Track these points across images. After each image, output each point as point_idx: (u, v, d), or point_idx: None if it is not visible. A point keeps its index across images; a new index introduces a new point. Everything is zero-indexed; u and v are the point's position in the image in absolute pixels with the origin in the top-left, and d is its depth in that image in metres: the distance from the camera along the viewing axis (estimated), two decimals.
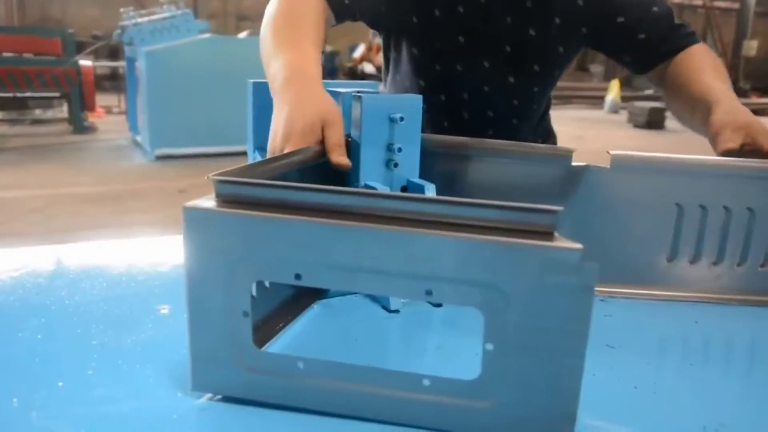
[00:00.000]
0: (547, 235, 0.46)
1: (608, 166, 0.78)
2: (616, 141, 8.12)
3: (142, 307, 0.71)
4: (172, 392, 0.54)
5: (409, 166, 0.77)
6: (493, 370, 0.47)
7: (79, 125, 7.32)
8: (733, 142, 0.84)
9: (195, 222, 0.49)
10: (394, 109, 0.74)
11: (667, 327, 0.74)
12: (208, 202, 0.50)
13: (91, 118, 7.69)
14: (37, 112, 8.22)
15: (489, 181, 0.82)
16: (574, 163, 0.80)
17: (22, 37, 7.33)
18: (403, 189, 0.78)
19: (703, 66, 1.00)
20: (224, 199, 0.50)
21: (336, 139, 0.73)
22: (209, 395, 0.53)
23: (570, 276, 0.44)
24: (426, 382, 0.49)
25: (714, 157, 0.81)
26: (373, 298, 0.75)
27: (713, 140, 0.88)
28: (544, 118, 1.23)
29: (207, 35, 6.49)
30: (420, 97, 0.76)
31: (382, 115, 0.75)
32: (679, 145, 8.43)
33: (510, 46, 1.06)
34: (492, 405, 0.48)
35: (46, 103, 8.14)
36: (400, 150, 0.75)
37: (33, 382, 0.54)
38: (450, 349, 0.65)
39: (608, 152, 0.79)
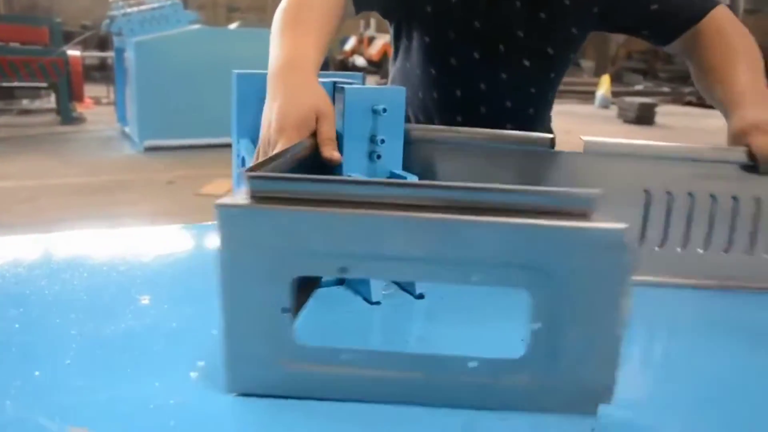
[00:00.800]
0: (585, 216, 0.48)
1: (582, 152, 0.80)
2: (605, 136, 8.13)
3: (122, 297, 0.71)
4: (150, 382, 0.53)
5: (392, 157, 0.77)
6: (539, 348, 0.49)
7: (67, 116, 7.27)
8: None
9: (232, 219, 0.48)
10: (377, 100, 0.74)
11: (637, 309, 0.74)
12: (242, 199, 0.49)
13: (80, 109, 7.64)
14: (25, 102, 8.16)
15: (468, 168, 0.82)
16: (550, 150, 0.82)
17: (9, 26, 7.27)
18: None
19: (729, 48, 0.97)
20: (258, 196, 0.49)
21: (328, 133, 0.73)
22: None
23: (614, 253, 0.46)
24: (472, 364, 0.50)
25: (678, 144, 0.83)
26: (355, 290, 0.75)
27: (741, 138, 0.85)
28: (549, 114, 1.23)
29: (197, 26, 6.46)
30: (403, 89, 0.76)
31: (365, 107, 0.74)
32: (671, 140, 8.46)
33: (523, 30, 1.05)
34: (537, 381, 0.50)
35: (34, 93, 8.08)
36: (383, 141, 0.75)
37: (8, 371, 0.54)
38: (434, 339, 0.65)
39: (581, 138, 0.80)
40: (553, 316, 0.48)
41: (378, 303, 0.72)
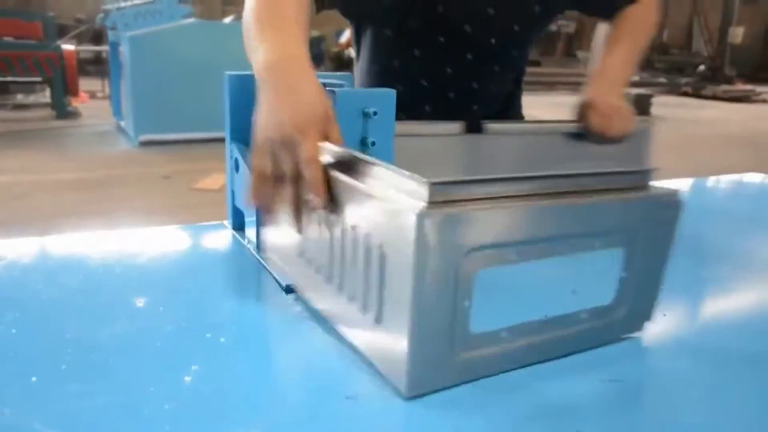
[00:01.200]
0: (646, 187, 0.62)
1: (485, 134, 0.98)
2: None
3: (118, 300, 0.72)
4: (144, 387, 0.54)
5: (383, 158, 0.78)
6: (624, 291, 0.63)
7: (62, 110, 7.25)
8: (597, 120, 1.05)
9: (432, 226, 0.49)
10: (368, 103, 0.75)
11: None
12: (426, 206, 0.49)
13: (75, 103, 7.61)
14: (19, 97, 8.13)
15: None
16: (461, 135, 0.98)
17: (2, 20, 7.22)
18: None
19: (623, 32, 1.16)
20: (436, 201, 0.50)
21: (338, 138, 0.67)
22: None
23: (672, 209, 0.62)
24: (583, 315, 0.62)
25: (552, 122, 1.09)
26: None
27: (582, 112, 1.07)
28: (517, 99, 1.25)
29: (192, 20, 6.42)
30: (393, 91, 0.77)
31: (356, 110, 0.75)
32: (665, 132, 8.50)
33: (492, 7, 1.07)
34: (620, 316, 0.64)
35: (28, 87, 8.05)
36: (373, 144, 0.76)
37: (6, 377, 0.55)
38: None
39: (481, 122, 1.01)
40: (636, 264, 0.62)
41: None
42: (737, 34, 15.00)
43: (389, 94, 0.77)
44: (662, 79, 14.50)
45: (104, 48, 8.37)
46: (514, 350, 0.58)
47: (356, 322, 0.58)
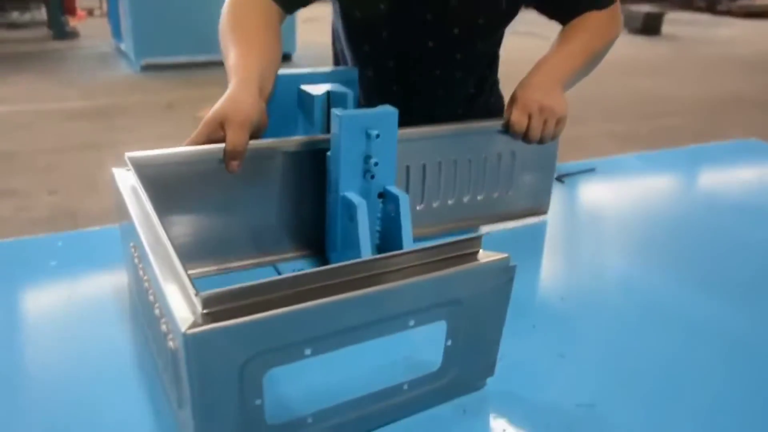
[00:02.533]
0: (475, 255, 0.60)
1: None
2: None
3: None
4: None
5: (385, 175, 0.81)
6: (450, 357, 0.62)
7: (59, 30, 7.11)
8: (515, 116, 0.98)
9: (198, 344, 0.47)
10: (371, 125, 0.77)
11: None
12: (202, 320, 0.48)
13: (72, 22, 7.45)
14: (15, 15, 7.95)
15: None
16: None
17: None
18: (380, 195, 0.82)
19: (572, 38, 1.08)
20: (211, 312, 0.49)
21: (229, 143, 0.77)
22: None
23: (503, 275, 0.61)
24: (405, 387, 0.61)
25: (421, 127, 0.95)
26: None
27: (508, 106, 1.01)
28: (491, 82, 1.26)
29: None
30: (395, 112, 0.79)
31: (360, 130, 0.78)
32: (676, 53, 8.27)
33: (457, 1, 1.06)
34: (449, 379, 0.64)
35: (23, 5, 7.85)
36: (376, 164, 0.79)
37: None
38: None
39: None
40: (463, 332, 0.61)
41: None
42: None
43: (391, 116, 0.79)
44: None
45: None
46: (327, 429, 0.57)
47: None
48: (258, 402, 0.52)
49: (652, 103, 5.64)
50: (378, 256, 0.56)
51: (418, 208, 0.97)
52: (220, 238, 0.83)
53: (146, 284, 0.61)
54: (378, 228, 0.85)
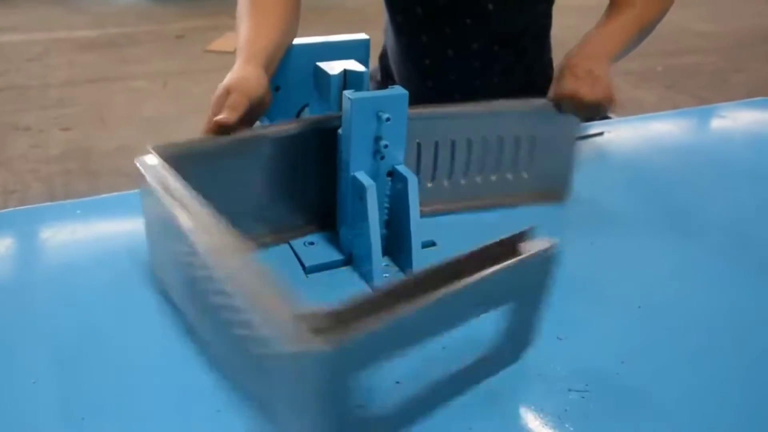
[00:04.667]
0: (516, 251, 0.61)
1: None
2: None
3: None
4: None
5: (395, 156, 0.83)
6: (508, 335, 0.66)
7: None
8: (565, 85, 0.91)
9: (314, 365, 0.47)
10: (382, 108, 0.78)
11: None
12: (310, 340, 0.46)
13: None
14: None
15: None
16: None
17: None
18: (389, 173, 0.84)
19: (624, 2, 1.01)
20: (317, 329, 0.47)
21: (230, 102, 0.79)
22: None
23: (547, 265, 0.63)
24: (473, 364, 0.65)
25: (435, 107, 0.93)
26: (360, 274, 0.84)
27: (557, 76, 0.94)
28: (537, 60, 1.24)
29: None
30: (406, 94, 0.79)
31: (371, 113, 0.79)
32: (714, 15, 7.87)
33: None
34: (505, 354, 0.69)
35: None
36: (386, 146, 0.80)
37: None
38: None
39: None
40: (517, 312, 0.65)
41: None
42: None
43: (401, 98, 0.79)
44: None
45: None
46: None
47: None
48: (358, 405, 0.53)
49: (674, 40, 5.48)
50: (458, 256, 0.56)
51: (429, 185, 0.98)
52: (232, 221, 0.85)
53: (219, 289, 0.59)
54: (386, 204, 0.87)
